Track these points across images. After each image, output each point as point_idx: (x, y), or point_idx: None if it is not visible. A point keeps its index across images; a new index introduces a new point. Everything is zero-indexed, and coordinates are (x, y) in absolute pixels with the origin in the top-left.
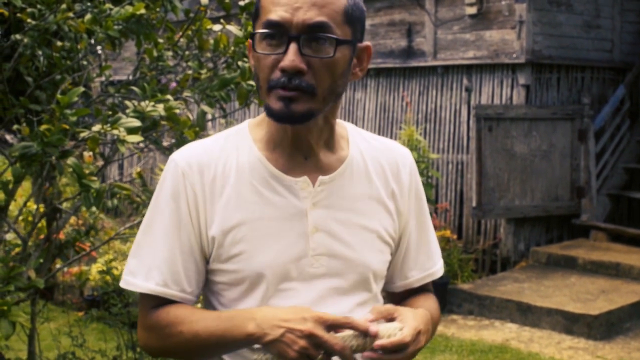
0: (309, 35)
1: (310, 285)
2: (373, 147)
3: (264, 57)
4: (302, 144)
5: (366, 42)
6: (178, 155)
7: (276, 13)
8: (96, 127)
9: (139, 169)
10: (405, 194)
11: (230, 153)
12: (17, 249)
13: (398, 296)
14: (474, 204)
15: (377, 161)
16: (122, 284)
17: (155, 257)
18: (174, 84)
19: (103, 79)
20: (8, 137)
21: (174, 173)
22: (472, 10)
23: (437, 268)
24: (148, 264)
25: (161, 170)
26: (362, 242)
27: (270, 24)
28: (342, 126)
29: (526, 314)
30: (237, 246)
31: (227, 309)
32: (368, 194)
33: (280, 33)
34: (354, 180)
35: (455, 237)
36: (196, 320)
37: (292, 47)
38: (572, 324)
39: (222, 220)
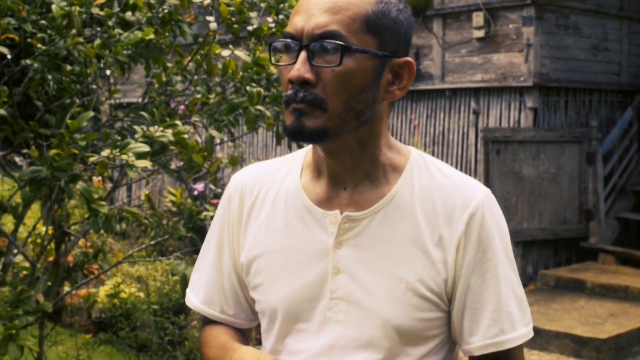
0: (317, 43)
1: (325, 330)
2: (436, 185)
3: (281, 72)
4: (338, 174)
5: (405, 58)
6: (234, 176)
7: (293, 23)
8: (105, 152)
9: (147, 192)
10: (456, 242)
11: (279, 178)
12: (25, 272)
13: None
14: None
15: (431, 201)
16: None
17: (204, 275)
18: (182, 108)
19: (112, 102)
20: (17, 159)
21: (225, 194)
22: (480, 33)
23: (507, 337)
24: (200, 281)
25: (170, 193)
26: (388, 292)
27: (286, 35)
28: (404, 156)
29: (534, 338)
30: (259, 277)
31: (264, 340)
32: (409, 238)
33: (295, 43)
34: (395, 220)
35: None
36: (213, 347)
37: (301, 56)
38: (581, 347)
39: (250, 248)
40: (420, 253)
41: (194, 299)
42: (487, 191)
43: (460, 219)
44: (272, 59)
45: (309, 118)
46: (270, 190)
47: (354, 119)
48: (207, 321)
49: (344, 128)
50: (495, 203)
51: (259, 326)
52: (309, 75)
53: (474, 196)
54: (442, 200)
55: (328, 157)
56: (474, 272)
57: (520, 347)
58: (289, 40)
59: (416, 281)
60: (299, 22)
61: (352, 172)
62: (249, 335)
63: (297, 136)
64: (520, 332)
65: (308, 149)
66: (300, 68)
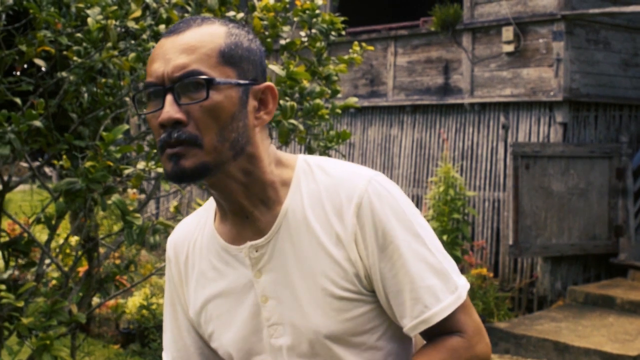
0: (180, 82)
1: (278, 356)
2: (321, 186)
3: (150, 120)
4: (236, 206)
5: (266, 83)
6: (169, 238)
7: (151, 71)
8: (140, 165)
9: (176, 203)
10: (352, 236)
11: (199, 229)
12: (54, 282)
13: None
14: (510, 242)
15: (319, 203)
16: None
17: (168, 336)
18: None
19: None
20: (47, 169)
21: (166, 257)
22: (510, 48)
23: (433, 311)
24: (166, 342)
25: (198, 204)
26: (310, 304)
27: (148, 84)
28: (290, 167)
29: (563, 354)
30: (209, 326)
31: None
32: (311, 247)
33: (158, 89)
34: (293, 234)
35: (491, 275)
36: None
37: (167, 99)
38: None
39: (194, 302)
40: (324, 257)
41: (165, 359)
42: (369, 176)
43: (349, 213)
44: (137, 110)
45: (187, 158)
46: (196, 242)
47: (230, 148)
48: None
49: (222, 159)
50: (383, 184)
51: None
52: (178, 115)
53: (356, 187)
54: (329, 200)
55: (217, 191)
56: (380, 259)
57: (461, 310)
58: (151, 89)
59: (330, 285)
60: (157, 68)
61: (245, 199)
62: None
63: (179, 179)
64: (446, 301)
65: None
66: (169, 110)
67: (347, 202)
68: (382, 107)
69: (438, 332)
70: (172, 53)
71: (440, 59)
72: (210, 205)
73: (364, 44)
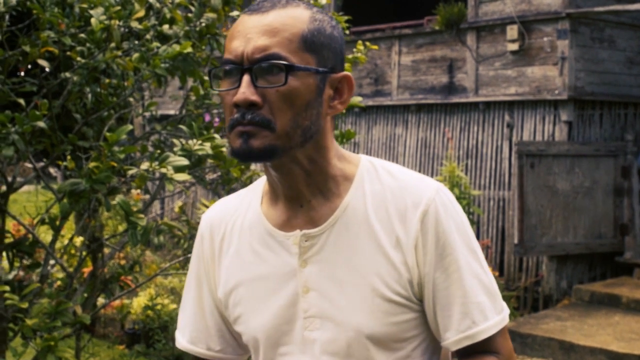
0: (260, 64)
1: (306, 349)
2: (387, 188)
3: (224, 97)
4: (294, 193)
5: (344, 72)
6: (203, 215)
7: (231, 48)
8: (144, 165)
9: (180, 203)
10: (413, 242)
11: (242, 209)
12: (59, 283)
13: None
14: (515, 240)
15: (382, 205)
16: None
17: (188, 315)
18: (217, 120)
19: (148, 114)
20: (51, 170)
21: (198, 234)
22: (514, 46)
23: (480, 328)
24: (185, 321)
25: (202, 205)
26: (356, 302)
27: (227, 61)
28: (354, 164)
29: (569, 353)
30: (237, 308)
31: None
32: (368, 245)
33: (236, 68)
34: (350, 230)
35: (496, 274)
36: None
37: (244, 79)
38: None
39: (225, 282)
40: (381, 258)
41: (182, 339)
42: (437, 186)
43: (414, 219)
44: (213, 85)
45: (257, 138)
46: (236, 222)
47: (301, 135)
48: (197, 359)
49: (291, 144)
50: (449, 196)
51: None
52: (254, 97)
53: (424, 194)
54: (394, 203)
55: (279, 175)
56: (436, 268)
57: (501, 333)
58: (230, 66)
59: (382, 286)
60: (237, 46)
61: (305, 187)
62: None
63: (245, 157)
64: (492, 320)
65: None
66: (245, 91)
67: (413, 207)
68: (386, 106)
69: (475, 351)
70: (254, 33)
71: (445, 58)
72: (256, 187)
73: (368, 43)
